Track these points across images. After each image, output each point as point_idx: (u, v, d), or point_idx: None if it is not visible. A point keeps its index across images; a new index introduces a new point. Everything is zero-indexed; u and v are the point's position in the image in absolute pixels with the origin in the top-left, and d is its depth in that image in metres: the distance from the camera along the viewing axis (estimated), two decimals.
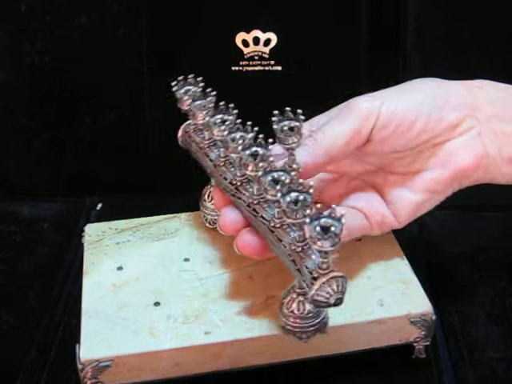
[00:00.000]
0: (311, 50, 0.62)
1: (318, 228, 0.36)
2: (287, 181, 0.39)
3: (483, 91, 0.46)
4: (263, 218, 0.41)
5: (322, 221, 0.36)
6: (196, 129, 0.50)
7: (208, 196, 0.52)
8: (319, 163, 0.43)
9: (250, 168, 0.41)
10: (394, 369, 0.47)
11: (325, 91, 0.62)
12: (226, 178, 0.45)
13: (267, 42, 0.61)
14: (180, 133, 0.52)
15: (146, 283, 0.48)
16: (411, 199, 0.46)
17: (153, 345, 0.43)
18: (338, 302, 0.38)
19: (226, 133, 0.44)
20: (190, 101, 0.48)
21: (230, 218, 0.43)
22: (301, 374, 0.47)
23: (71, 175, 0.67)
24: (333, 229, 0.36)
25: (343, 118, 0.44)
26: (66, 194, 0.67)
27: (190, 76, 0.50)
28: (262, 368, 0.46)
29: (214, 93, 0.47)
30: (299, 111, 0.42)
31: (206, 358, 0.44)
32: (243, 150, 0.42)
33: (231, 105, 0.46)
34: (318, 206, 0.37)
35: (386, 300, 0.46)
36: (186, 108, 0.49)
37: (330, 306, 0.38)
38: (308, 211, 0.37)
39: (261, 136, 0.42)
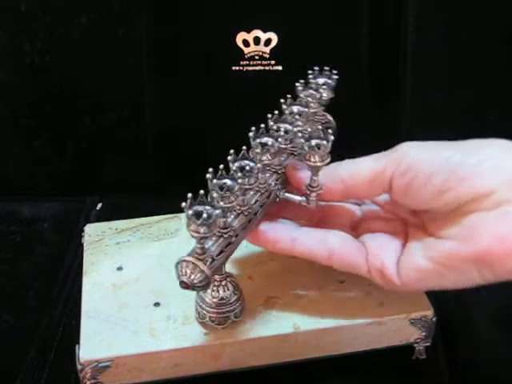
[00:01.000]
0: (312, 49, 0.62)
1: (190, 213, 0.38)
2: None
3: None
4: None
5: (196, 207, 0.38)
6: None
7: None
8: (332, 189, 0.42)
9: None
10: (394, 370, 0.47)
11: None
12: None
13: (268, 42, 0.61)
14: None
15: (145, 283, 0.48)
16: (418, 263, 0.40)
17: (152, 345, 0.43)
18: (182, 286, 0.39)
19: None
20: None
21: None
22: (301, 375, 0.47)
23: (71, 175, 0.67)
24: (204, 216, 0.38)
25: (377, 156, 0.42)
26: (66, 194, 0.67)
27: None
28: (261, 369, 0.46)
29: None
30: (330, 131, 0.42)
31: (205, 358, 0.44)
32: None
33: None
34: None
35: (386, 301, 0.46)
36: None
37: (186, 287, 0.39)
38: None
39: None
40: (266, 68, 0.62)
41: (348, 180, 0.42)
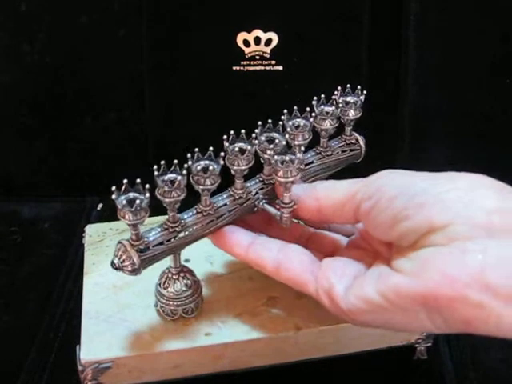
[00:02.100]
0: (312, 50, 0.62)
1: (124, 201, 0.39)
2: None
3: None
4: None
5: (130, 194, 0.40)
6: None
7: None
8: (306, 206, 0.41)
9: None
10: (396, 370, 0.47)
11: (325, 91, 0.62)
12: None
13: (268, 42, 0.61)
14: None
15: (146, 284, 0.48)
16: (366, 292, 0.36)
17: (153, 346, 0.43)
18: (113, 266, 0.40)
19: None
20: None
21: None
22: (302, 376, 0.47)
23: (72, 175, 0.67)
24: (137, 202, 0.39)
25: (354, 179, 0.40)
26: (67, 194, 0.67)
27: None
28: (262, 369, 0.46)
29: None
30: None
31: (206, 359, 0.44)
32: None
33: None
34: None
35: None
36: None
37: (116, 269, 0.41)
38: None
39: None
40: (267, 68, 0.62)
41: (323, 199, 0.41)
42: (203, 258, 0.50)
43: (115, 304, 0.46)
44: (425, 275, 0.33)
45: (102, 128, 0.65)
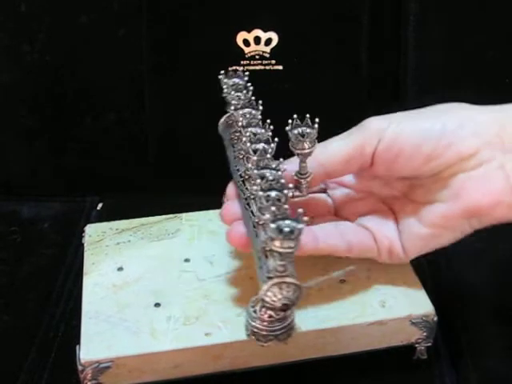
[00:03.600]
0: (312, 49, 0.62)
1: (276, 228, 0.35)
2: (270, 178, 0.39)
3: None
4: (252, 213, 0.42)
5: (281, 222, 0.36)
6: (234, 121, 0.49)
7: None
8: (315, 174, 0.43)
9: (249, 163, 0.42)
10: (396, 370, 0.47)
11: (325, 91, 0.62)
12: (238, 170, 0.46)
13: (268, 42, 0.61)
14: (222, 120, 0.51)
15: (146, 284, 0.48)
16: (419, 232, 0.43)
17: (153, 346, 0.43)
18: (285, 308, 0.38)
19: (244, 124, 0.44)
20: (235, 107, 0.47)
21: (229, 208, 0.44)
22: (302, 376, 0.47)
23: (72, 175, 0.67)
24: (290, 231, 0.35)
25: (349, 135, 0.43)
26: (67, 194, 0.67)
27: (239, 69, 0.50)
28: (262, 369, 0.45)
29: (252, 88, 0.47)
30: (317, 120, 0.42)
31: (206, 359, 0.44)
32: (251, 143, 0.42)
33: (260, 101, 0.46)
34: (305, 218, 0.36)
35: (388, 301, 0.46)
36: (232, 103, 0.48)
37: (275, 309, 0.38)
38: (276, 210, 0.36)
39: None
40: (267, 68, 0.62)
41: (326, 163, 0.43)
42: (203, 257, 0.50)
43: (115, 304, 0.46)
44: (466, 195, 0.41)
45: (102, 128, 0.65)
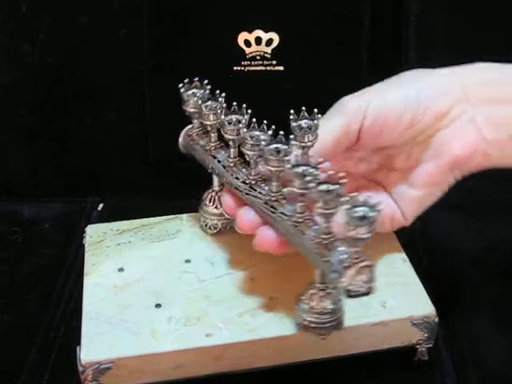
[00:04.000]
0: (313, 50, 0.62)
1: (355, 215, 0.37)
2: (316, 172, 0.40)
3: (474, 75, 0.45)
4: (283, 214, 0.42)
5: (359, 208, 0.37)
6: (200, 132, 0.51)
7: (210, 201, 0.52)
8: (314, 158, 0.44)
9: (271, 164, 0.41)
10: (397, 371, 0.47)
11: (326, 91, 0.62)
12: (238, 178, 0.46)
13: (269, 42, 0.61)
14: (182, 137, 0.52)
15: (147, 285, 0.48)
16: (414, 196, 0.46)
17: (154, 347, 0.43)
18: (370, 291, 0.38)
19: (243, 131, 0.44)
20: (199, 102, 0.48)
21: (246, 216, 0.44)
22: (302, 377, 0.46)
23: (72, 175, 0.67)
24: (370, 215, 0.37)
25: (331, 118, 0.45)
26: (68, 195, 0.67)
27: (195, 79, 0.50)
28: (263, 370, 0.45)
29: (224, 94, 0.48)
30: (316, 110, 0.43)
31: (207, 360, 0.44)
32: (266, 145, 0.42)
33: (244, 105, 0.46)
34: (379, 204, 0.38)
35: (389, 302, 0.46)
36: (193, 110, 0.49)
37: (362, 295, 0.38)
38: (341, 200, 0.38)
39: (281, 133, 0.43)
40: (268, 68, 0.61)
41: (320, 150, 0.44)
42: (204, 258, 0.50)
43: (116, 304, 0.46)
44: (447, 151, 0.44)
45: (103, 128, 0.65)
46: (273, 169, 0.41)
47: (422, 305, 0.46)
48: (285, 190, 0.42)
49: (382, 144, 0.46)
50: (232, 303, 0.46)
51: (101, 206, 0.65)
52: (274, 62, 0.61)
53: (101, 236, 0.53)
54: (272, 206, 0.43)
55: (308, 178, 0.39)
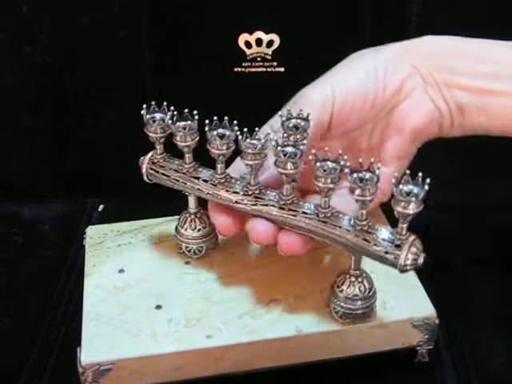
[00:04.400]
0: (314, 51, 0.61)
1: (403, 191, 0.39)
2: (342, 163, 0.41)
3: (422, 48, 0.47)
4: (305, 213, 0.42)
5: (406, 186, 0.39)
6: (166, 157, 0.49)
7: (185, 223, 0.50)
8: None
9: (288, 166, 0.41)
10: (397, 373, 0.47)
11: None
12: (236, 192, 0.44)
13: (270, 44, 0.61)
14: (146, 165, 0.49)
15: (147, 286, 0.48)
16: (386, 173, 0.46)
17: (154, 348, 0.43)
18: (424, 261, 0.40)
19: (243, 141, 0.43)
20: (169, 123, 0.46)
21: (261, 228, 0.43)
22: (303, 378, 0.46)
23: (73, 177, 0.67)
24: (415, 191, 0.39)
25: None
26: (68, 196, 0.67)
27: (153, 103, 0.49)
28: (263, 372, 0.45)
29: (196, 112, 0.46)
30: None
31: (207, 361, 0.44)
32: (282, 147, 0.42)
33: (226, 118, 0.45)
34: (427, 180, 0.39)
35: (389, 304, 0.46)
36: (157, 135, 0.47)
37: (417, 267, 0.40)
38: (372, 189, 0.39)
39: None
40: (268, 69, 0.61)
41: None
42: (204, 259, 0.50)
43: (116, 306, 0.46)
44: (408, 123, 0.46)
45: (103, 129, 0.65)
46: (291, 171, 0.41)
47: (422, 306, 0.46)
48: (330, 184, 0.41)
49: (350, 127, 0.47)
50: (232, 305, 0.46)
51: (101, 207, 0.65)
52: (275, 64, 0.61)
53: (101, 237, 0.53)
54: (290, 209, 0.43)
55: (336, 170, 0.41)
